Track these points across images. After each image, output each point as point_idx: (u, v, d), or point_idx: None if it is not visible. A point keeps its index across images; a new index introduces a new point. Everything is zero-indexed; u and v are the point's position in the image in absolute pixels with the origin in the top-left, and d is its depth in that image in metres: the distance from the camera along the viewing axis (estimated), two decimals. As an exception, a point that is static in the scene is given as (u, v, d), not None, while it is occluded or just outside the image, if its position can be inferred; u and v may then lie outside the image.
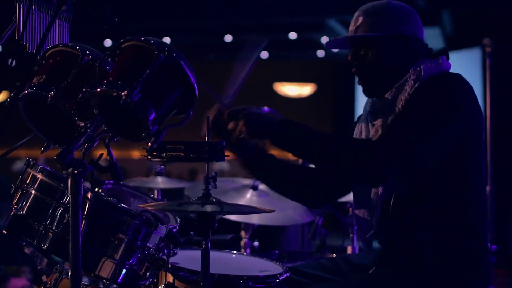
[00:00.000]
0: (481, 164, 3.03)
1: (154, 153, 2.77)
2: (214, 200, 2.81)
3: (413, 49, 3.09)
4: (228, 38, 15.67)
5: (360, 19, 3.15)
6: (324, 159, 3.00)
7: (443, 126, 2.86)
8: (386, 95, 3.05)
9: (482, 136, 3.04)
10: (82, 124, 2.63)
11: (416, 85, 2.98)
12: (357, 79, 3.16)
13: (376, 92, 3.13)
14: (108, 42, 14.26)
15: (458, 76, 2.98)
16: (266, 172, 3.40)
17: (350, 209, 4.85)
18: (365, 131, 3.18)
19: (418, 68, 3.02)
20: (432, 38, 12.09)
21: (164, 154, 2.77)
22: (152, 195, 4.27)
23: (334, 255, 4.38)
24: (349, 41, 3.20)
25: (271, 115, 3.03)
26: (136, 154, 17.23)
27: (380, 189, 3.02)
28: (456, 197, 2.96)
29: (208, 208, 2.75)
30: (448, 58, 3.12)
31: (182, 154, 2.78)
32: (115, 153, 2.77)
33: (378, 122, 3.08)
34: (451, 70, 3.08)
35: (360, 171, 2.88)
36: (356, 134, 3.28)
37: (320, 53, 16.87)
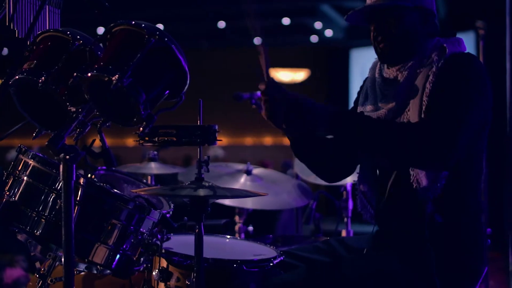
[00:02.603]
0: (483, 148, 3.04)
1: (146, 138, 2.77)
2: (207, 184, 2.81)
3: (430, 24, 3.10)
4: (222, 24, 15.65)
5: None
6: (390, 152, 2.92)
7: (478, 106, 2.89)
8: (399, 67, 3.06)
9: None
10: (73, 109, 2.62)
11: (442, 61, 2.97)
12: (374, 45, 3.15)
13: (393, 59, 3.10)
14: (101, 30, 14.22)
15: (478, 59, 3.02)
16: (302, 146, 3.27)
17: (344, 193, 4.85)
18: (376, 113, 3.12)
19: (439, 45, 3.03)
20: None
21: (156, 139, 2.77)
22: (145, 181, 4.26)
23: (328, 238, 4.38)
24: (369, 14, 3.15)
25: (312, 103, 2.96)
26: (130, 141, 17.26)
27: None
28: (459, 179, 2.96)
29: (201, 192, 2.74)
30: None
31: (175, 139, 2.77)
32: (108, 140, 2.76)
33: (391, 102, 3.05)
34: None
35: (429, 159, 2.84)
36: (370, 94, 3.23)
37: (314, 38, 16.88)
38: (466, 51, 3.06)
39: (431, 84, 2.93)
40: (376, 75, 3.18)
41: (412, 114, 2.96)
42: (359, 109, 3.23)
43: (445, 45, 3.02)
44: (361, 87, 3.33)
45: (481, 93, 2.92)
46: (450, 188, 2.95)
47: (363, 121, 2.91)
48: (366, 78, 3.28)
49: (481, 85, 2.93)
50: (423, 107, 2.92)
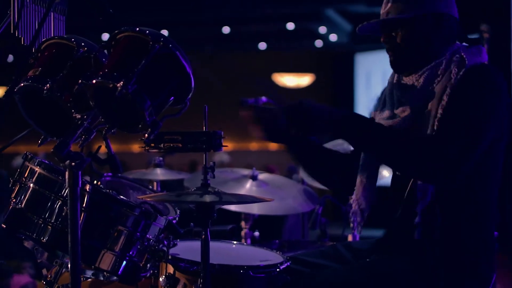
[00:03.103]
0: (500, 158, 3.01)
1: (152, 144, 2.77)
2: (212, 190, 2.81)
3: (446, 28, 3.03)
4: (226, 29, 15.67)
5: (390, 1, 3.08)
6: (397, 163, 2.97)
7: (492, 122, 2.86)
8: (415, 76, 3.03)
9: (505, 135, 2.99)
10: (78, 116, 2.63)
11: (461, 73, 2.92)
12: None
13: (405, 69, 3.09)
14: (105, 36, 14.24)
15: (499, 72, 2.96)
16: (309, 159, 3.35)
17: (350, 197, 4.84)
18: (392, 121, 3.11)
19: (458, 55, 2.97)
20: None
21: (161, 145, 2.77)
22: (151, 187, 4.26)
23: (335, 243, 4.38)
24: (380, 25, 3.14)
25: (329, 108, 2.97)
26: (135, 147, 17.26)
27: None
28: (470, 190, 2.95)
29: (207, 198, 2.74)
30: (482, 45, 3.08)
31: (180, 145, 2.78)
32: (114, 146, 2.77)
33: (406, 110, 3.03)
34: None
35: (437, 175, 2.84)
36: (379, 121, 3.18)
37: (319, 43, 16.87)
38: (485, 62, 3.02)
39: (448, 97, 2.90)
40: (395, 81, 3.17)
41: (426, 125, 2.95)
42: (376, 115, 3.21)
43: (464, 55, 2.96)
44: (381, 93, 3.32)
45: (496, 108, 2.88)
46: (463, 198, 2.93)
47: (373, 127, 2.91)
48: (387, 84, 3.26)
49: (497, 99, 2.88)
50: (436, 120, 2.90)
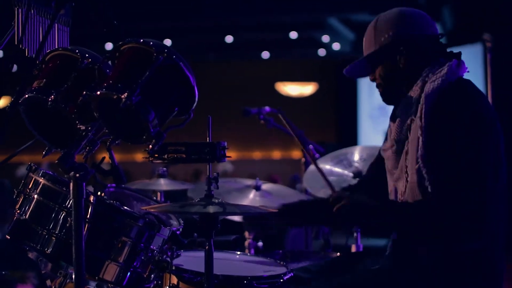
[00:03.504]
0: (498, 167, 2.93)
1: (156, 155, 2.77)
2: (216, 200, 2.81)
3: (417, 50, 3.04)
4: (229, 38, 15.68)
5: (363, 44, 3.19)
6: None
7: (482, 156, 2.80)
8: (410, 93, 3.03)
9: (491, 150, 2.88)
10: (83, 127, 2.63)
11: (424, 106, 2.91)
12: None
13: (394, 100, 3.14)
14: (109, 46, 14.26)
15: (459, 93, 2.92)
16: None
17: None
18: (385, 154, 3.18)
19: (424, 81, 2.98)
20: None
21: (165, 156, 2.78)
22: (155, 198, 4.26)
23: (338, 254, 4.37)
24: (364, 66, 3.22)
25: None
26: (139, 157, 17.25)
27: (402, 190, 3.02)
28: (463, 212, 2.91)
29: (211, 209, 2.74)
30: (459, 58, 3.04)
31: (184, 155, 2.78)
32: (117, 156, 2.77)
33: (393, 145, 3.08)
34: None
35: (437, 233, 2.87)
36: (388, 133, 3.22)
37: (322, 52, 16.89)
38: (447, 82, 2.94)
39: (422, 131, 2.90)
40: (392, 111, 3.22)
41: (411, 158, 2.95)
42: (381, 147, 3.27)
43: (427, 79, 2.97)
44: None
45: (478, 138, 2.82)
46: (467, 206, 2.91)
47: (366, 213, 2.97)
48: None
49: (475, 128, 2.82)
50: (419, 158, 2.90)
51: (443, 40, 3.13)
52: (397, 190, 3.08)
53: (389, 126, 3.19)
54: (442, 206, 2.81)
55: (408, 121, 2.99)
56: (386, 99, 3.16)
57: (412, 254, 3.00)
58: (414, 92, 2.99)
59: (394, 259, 3.10)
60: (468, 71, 3.06)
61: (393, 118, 3.15)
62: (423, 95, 2.93)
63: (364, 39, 3.19)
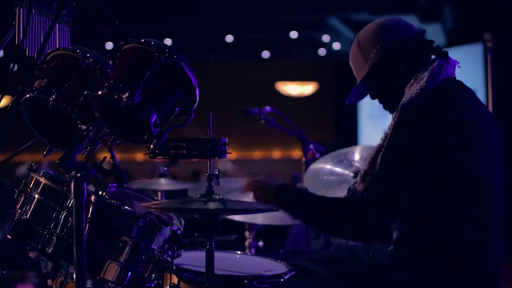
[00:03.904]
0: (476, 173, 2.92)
1: (157, 151, 2.78)
2: (217, 197, 2.81)
3: (414, 50, 3.06)
4: (229, 38, 15.68)
5: (352, 67, 3.22)
6: (328, 229, 3.19)
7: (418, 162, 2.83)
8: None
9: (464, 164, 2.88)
10: (84, 127, 2.63)
11: (398, 113, 2.98)
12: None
13: (395, 108, 3.12)
14: (109, 45, 14.27)
15: (431, 103, 2.93)
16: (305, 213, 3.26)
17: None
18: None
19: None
20: (433, 34, 12.09)
21: (166, 152, 2.78)
22: (156, 198, 4.27)
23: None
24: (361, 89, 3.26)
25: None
26: (139, 156, 17.28)
27: None
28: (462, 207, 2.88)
29: (211, 205, 2.75)
30: (442, 56, 3.05)
31: (184, 152, 2.79)
32: (118, 156, 2.77)
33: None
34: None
35: (368, 231, 2.95)
36: None
37: (322, 51, 16.89)
38: (425, 92, 2.95)
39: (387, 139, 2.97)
40: None
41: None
42: None
43: (405, 89, 3.01)
44: None
45: (420, 139, 2.84)
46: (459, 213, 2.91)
47: (299, 199, 3.06)
48: None
49: (422, 138, 2.84)
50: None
51: (426, 36, 3.14)
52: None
53: None
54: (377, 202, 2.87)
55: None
56: (389, 110, 3.17)
57: (412, 253, 3.00)
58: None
59: (394, 257, 3.10)
60: (458, 66, 3.05)
61: None
62: (400, 103, 2.97)
63: (351, 63, 3.20)
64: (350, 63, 3.20)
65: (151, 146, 2.60)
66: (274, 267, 3.26)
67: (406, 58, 3.05)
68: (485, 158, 2.90)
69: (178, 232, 3.46)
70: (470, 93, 3.04)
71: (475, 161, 2.86)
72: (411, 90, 2.96)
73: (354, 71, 3.20)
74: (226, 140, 2.82)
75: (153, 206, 3.05)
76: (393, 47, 3.05)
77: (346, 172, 4.45)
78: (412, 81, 3.00)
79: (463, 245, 2.88)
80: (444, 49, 3.10)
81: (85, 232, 2.55)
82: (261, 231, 4.85)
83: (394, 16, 3.17)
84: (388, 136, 2.95)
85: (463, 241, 2.88)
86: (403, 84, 3.04)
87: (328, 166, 4.51)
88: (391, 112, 3.15)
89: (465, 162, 2.84)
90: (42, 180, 2.96)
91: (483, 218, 2.90)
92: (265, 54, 17.49)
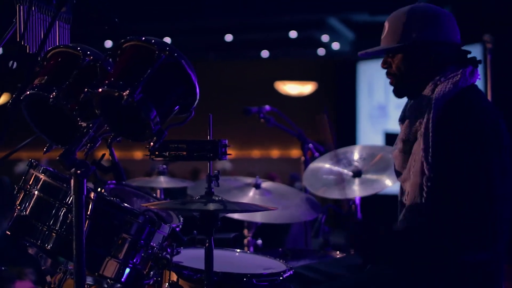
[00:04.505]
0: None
1: (157, 152, 2.78)
2: (216, 198, 2.82)
3: (438, 55, 3.05)
4: (229, 37, 15.68)
5: (386, 27, 3.14)
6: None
7: (493, 168, 2.82)
8: (421, 96, 3.05)
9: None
10: (84, 124, 2.64)
11: (432, 112, 2.93)
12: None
13: (403, 94, 3.14)
14: (108, 43, 14.26)
15: (471, 97, 2.96)
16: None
17: (353, 206, 4.84)
18: (393, 153, 3.20)
19: (434, 87, 3.00)
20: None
21: (166, 153, 2.79)
22: (154, 195, 4.27)
23: (338, 252, 4.39)
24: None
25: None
26: (138, 154, 17.27)
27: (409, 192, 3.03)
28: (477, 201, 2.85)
29: (211, 206, 2.76)
30: (475, 65, 3.06)
31: (185, 153, 2.79)
32: (117, 154, 2.78)
33: (399, 144, 3.12)
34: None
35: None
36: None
37: (321, 51, 16.87)
38: (458, 89, 2.98)
39: (427, 137, 2.93)
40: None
41: (416, 161, 2.98)
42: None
43: (439, 83, 2.99)
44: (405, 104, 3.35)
45: (487, 150, 2.83)
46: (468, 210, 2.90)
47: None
48: None
49: (483, 140, 2.84)
50: (425, 166, 2.92)
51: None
52: (404, 191, 3.09)
53: (404, 111, 3.21)
54: (444, 223, 2.83)
55: (417, 123, 3.00)
56: (398, 92, 3.14)
57: (419, 264, 2.99)
58: (425, 94, 3.01)
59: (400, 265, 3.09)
60: (479, 79, 3.07)
61: (402, 119, 3.16)
62: (433, 99, 2.95)
63: (388, 23, 3.14)
64: (387, 22, 3.14)
65: (151, 144, 2.60)
66: (273, 265, 3.27)
67: (434, 57, 3.04)
68: (506, 163, 2.91)
69: (177, 229, 3.47)
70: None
71: (496, 168, 2.86)
72: (443, 86, 2.96)
73: (385, 32, 3.14)
74: (227, 141, 2.82)
75: (153, 206, 3.06)
76: (430, 43, 3.04)
77: (345, 171, 4.46)
78: (439, 77, 3.00)
79: (470, 258, 2.90)
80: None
81: (85, 228, 2.56)
82: (260, 229, 4.85)
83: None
84: (431, 137, 2.91)
85: (471, 255, 2.89)
86: (419, 77, 3.05)
87: (327, 165, 4.53)
88: (399, 97, 3.15)
89: (503, 166, 2.86)
90: (42, 176, 2.96)
91: (507, 219, 2.92)
92: (265, 53, 17.48)
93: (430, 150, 2.90)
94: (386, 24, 3.14)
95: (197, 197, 2.86)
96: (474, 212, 2.78)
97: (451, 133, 2.87)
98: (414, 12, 3.08)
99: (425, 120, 2.95)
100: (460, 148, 2.83)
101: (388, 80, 3.17)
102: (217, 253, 3.00)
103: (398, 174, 3.15)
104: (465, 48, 3.11)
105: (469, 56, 3.09)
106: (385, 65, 3.16)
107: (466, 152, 2.82)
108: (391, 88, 3.18)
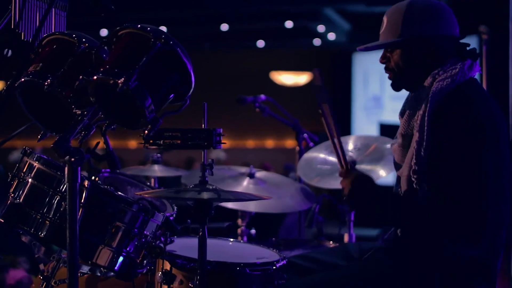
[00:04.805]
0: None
1: (151, 141, 2.78)
2: (210, 187, 2.82)
3: (438, 49, 3.02)
4: (224, 27, 15.66)
5: (385, 22, 3.12)
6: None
7: (488, 165, 2.81)
8: (419, 89, 3.04)
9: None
10: (78, 112, 2.63)
11: (428, 106, 2.92)
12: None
13: (401, 88, 3.13)
14: (104, 32, 14.23)
15: (470, 91, 2.95)
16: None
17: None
18: (393, 146, 3.20)
19: (433, 80, 2.98)
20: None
21: (161, 141, 2.78)
22: (148, 184, 4.27)
23: (331, 242, 4.39)
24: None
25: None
26: (132, 143, 17.27)
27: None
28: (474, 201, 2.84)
29: (205, 195, 2.75)
30: (474, 59, 3.04)
31: (179, 142, 2.79)
32: (111, 142, 2.77)
33: (399, 138, 3.10)
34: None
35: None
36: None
37: (317, 41, 16.86)
38: (456, 83, 2.96)
39: (423, 130, 2.92)
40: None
41: (409, 157, 2.98)
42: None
43: (437, 77, 2.98)
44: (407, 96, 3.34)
45: (481, 146, 2.82)
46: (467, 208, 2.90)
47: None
48: None
49: (478, 136, 2.82)
50: (413, 159, 2.92)
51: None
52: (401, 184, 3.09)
53: (405, 103, 3.20)
54: (437, 218, 2.83)
55: (416, 117, 2.99)
56: (396, 86, 3.13)
57: (413, 257, 3.00)
58: (423, 87, 3.00)
59: (394, 257, 3.08)
60: (480, 72, 3.07)
61: (402, 113, 3.15)
62: (430, 93, 2.94)
63: (387, 17, 3.11)
64: (386, 17, 3.11)
65: (146, 132, 2.60)
66: (266, 254, 3.27)
67: (434, 52, 3.01)
68: (504, 158, 2.91)
69: (171, 218, 3.47)
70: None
71: (493, 164, 2.85)
72: (440, 80, 2.95)
73: (383, 26, 3.11)
74: (221, 130, 2.82)
75: (147, 195, 3.05)
76: (430, 38, 3.02)
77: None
78: (438, 70, 2.99)
79: (465, 254, 2.91)
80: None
81: (78, 217, 2.56)
82: (253, 219, 4.86)
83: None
84: (426, 131, 2.90)
85: (466, 250, 2.89)
86: (417, 71, 3.04)
87: (322, 155, 4.52)
88: (397, 90, 3.14)
89: (499, 162, 2.85)
90: (36, 164, 2.95)
91: (503, 215, 2.92)
92: (260, 43, 17.47)
93: (424, 143, 2.90)
94: (385, 19, 3.11)
95: (191, 186, 2.86)
96: (467, 208, 2.77)
97: (445, 128, 2.86)
98: (413, 6, 3.05)
99: (421, 112, 2.94)
100: (454, 145, 2.83)
101: (384, 71, 3.16)
102: (210, 242, 3.00)
103: (397, 167, 3.14)
104: (461, 40, 3.10)
105: (468, 48, 3.08)
106: (384, 60, 3.13)
107: (460, 149, 2.81)
108: (387, 79, 3.17)
